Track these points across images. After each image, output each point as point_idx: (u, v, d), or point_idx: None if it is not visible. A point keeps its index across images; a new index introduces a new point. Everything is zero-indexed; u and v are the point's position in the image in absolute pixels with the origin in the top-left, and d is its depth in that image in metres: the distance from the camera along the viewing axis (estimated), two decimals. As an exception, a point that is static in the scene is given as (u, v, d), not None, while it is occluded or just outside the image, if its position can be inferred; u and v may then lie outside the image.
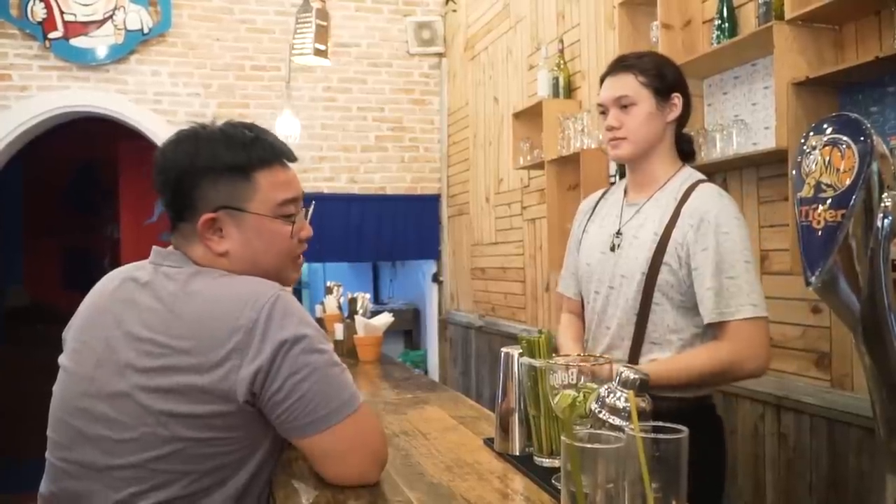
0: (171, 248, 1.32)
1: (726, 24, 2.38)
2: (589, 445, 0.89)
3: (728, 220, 1.61)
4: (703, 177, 1.75)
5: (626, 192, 1.82)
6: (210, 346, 1.16)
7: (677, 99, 1.71)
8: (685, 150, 1.79)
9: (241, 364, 1.16)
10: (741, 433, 2.47)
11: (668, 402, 1.47)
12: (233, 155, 1.28)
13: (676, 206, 1.67)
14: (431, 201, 5.62)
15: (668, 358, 1.66)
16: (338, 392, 1.23)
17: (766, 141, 2.32)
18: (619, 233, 1.75)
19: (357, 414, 1.25)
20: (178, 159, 1.29)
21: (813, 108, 2.07)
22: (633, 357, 1.69)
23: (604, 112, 1.76)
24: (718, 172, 2.50)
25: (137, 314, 1.22)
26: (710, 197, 1.65)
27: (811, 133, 0.77)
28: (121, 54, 4.87)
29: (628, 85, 1.69)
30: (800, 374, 2.26)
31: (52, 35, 4.71)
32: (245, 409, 1.18)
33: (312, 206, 1.45)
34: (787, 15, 2.07)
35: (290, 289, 1.32)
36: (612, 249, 1.75)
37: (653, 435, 0.89)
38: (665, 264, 1.64)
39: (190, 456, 1.17)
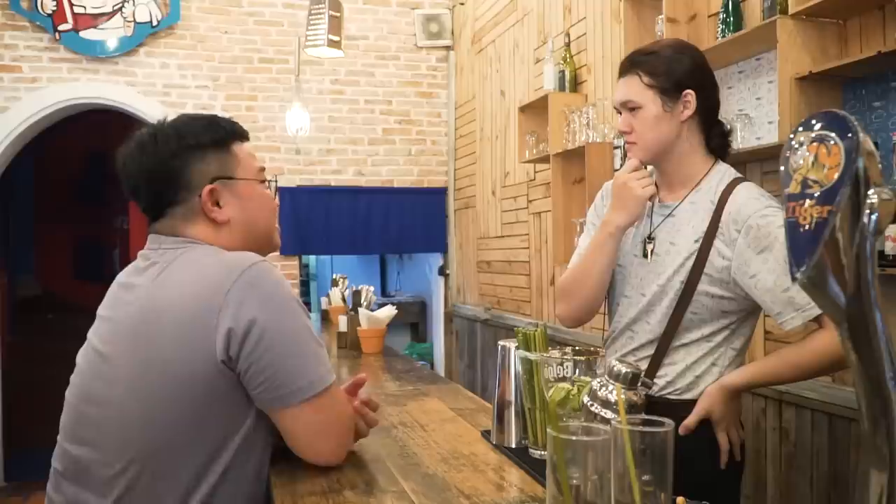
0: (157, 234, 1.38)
1: (731, 19, 2.37)
2: (573, 438, 0.90)
3: (779, 215, 1.50)
4: (738, 174, 1.64)
5: (656, 186, 1.69)
6: (192, 307, 1.22)
7: (690, 96, 1.58)
8: (716, 146, 1.66)
9: (217, 323, 1.20)
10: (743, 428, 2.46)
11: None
12: (212, 132, 1.39)
13: (715, 212, 1.57)
14: (438, 194, 5.63)
15: (777, 354, 1.56)
16: (312, 367, 1.27)
17: (769, 135, 2.31)
18: (650, 237, 1.65)
19: (328, 392, 1.28)
20: (160, 150, 1.35)
21: (816, 103, 2.06)
22: (656, 360, 1.61)
23: (620, 113, 1.68)
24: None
25: (129, 295, 1.31)
26: (753, 198, 1.55)
27: (799, 129, 0.77)
28: (130, 47, 4.90)
29: (633, 88, 1.60)
30: (801, 369, 2.26)
31: (61, 27, 4.74)
32: (224, 371, 1.21)
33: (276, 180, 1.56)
34: (792, 9, 2.07)
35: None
36: (646, 255, 1.65)
37: (639, 428, 0.89)
38: (706, 274, 1.55)
39: (175, 433, 1.22)
